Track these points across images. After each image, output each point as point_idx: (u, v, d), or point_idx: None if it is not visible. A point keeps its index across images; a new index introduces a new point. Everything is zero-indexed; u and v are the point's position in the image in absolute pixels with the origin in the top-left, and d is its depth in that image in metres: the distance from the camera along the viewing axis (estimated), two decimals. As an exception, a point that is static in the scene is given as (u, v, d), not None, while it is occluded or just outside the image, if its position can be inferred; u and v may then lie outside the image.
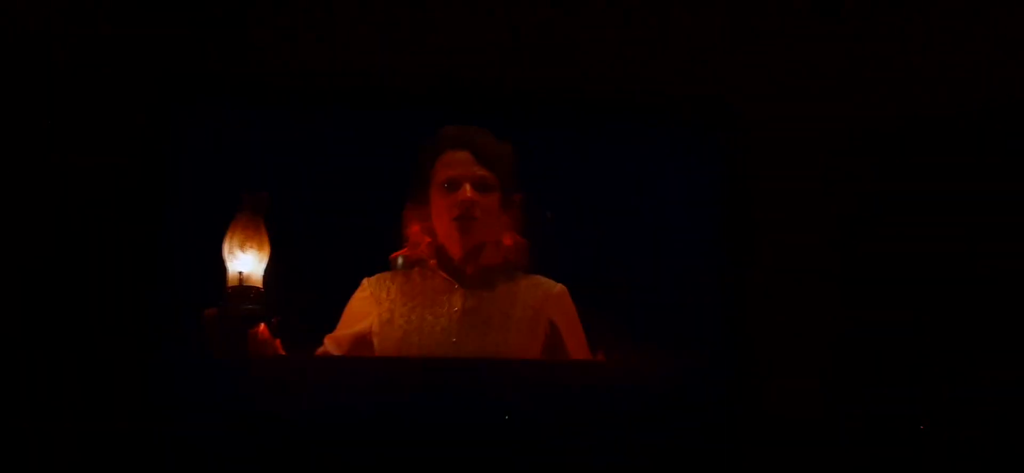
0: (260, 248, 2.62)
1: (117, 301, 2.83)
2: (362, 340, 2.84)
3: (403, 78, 3.08)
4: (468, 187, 2.78)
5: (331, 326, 2.91)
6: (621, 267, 3.14)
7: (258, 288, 2.60)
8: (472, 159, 2.81)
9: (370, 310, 2.86)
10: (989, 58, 3.05)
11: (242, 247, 2.60)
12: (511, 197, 2.89)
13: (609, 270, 3.13)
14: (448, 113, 3.10)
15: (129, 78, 2.88)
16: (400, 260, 2.92)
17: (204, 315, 2.57)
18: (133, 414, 2.77)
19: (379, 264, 2.98)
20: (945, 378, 3.11)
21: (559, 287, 2.94)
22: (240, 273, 2.58)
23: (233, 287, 2.57)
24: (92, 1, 2.73)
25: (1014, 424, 3.05)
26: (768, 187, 3.20)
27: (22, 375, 2.75)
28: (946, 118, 3.26)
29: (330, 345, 2.84)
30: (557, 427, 2.97)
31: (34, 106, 2.83)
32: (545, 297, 2.90)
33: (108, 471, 2.74)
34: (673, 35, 3.00)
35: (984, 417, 3.07)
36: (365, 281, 2.91)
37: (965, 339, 3.13)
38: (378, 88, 3.09)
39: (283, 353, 2.68)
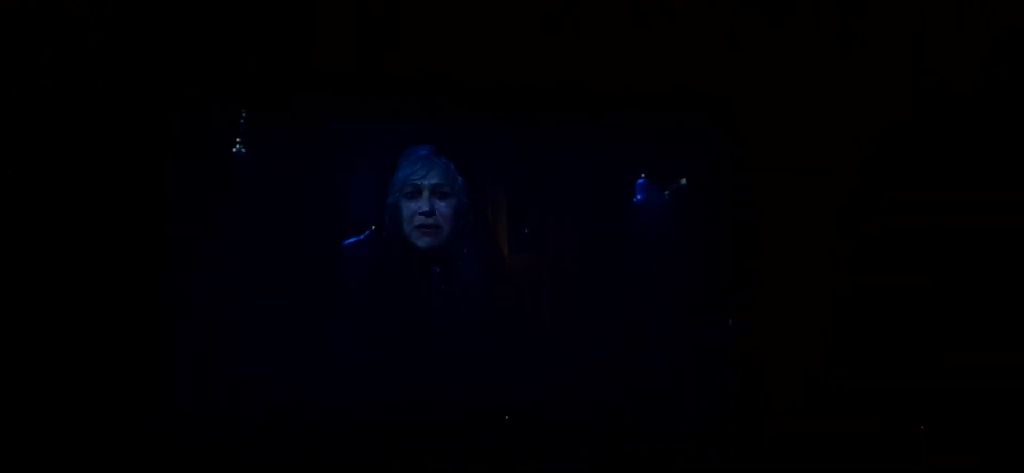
0: None
1: (118, 301, 2.83)
2: None
3: (403, 77, 3.08)
4: None
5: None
6: (620, 266, 3.15)
7: None
8: None
9: None
10: (988, 58, 3.06)
11: None
12: None
13: (608, 269, 3.14)
14: (447, 112, 3.11)
15: (129, 78, 2.87)
16: None
17: None
18: (133, 413, 2.78)
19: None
20: (944, 376, 3.12)
21: None
22: None
23: None
24: (92, 2, 2.73)
25: (1012, 422, 3.07)
26: (768, 186, 3.20)
27: (21, 375, 2.75)
28: (946, 116, 3.26)
29: None
30: (560, 426, 2.99)
31: (34, 106, 2.82)
32: None
33: (108, 470, 2.75)
34: (672, 35, 3.00)
35: (982, 416, 3.09)
36: None
37: (965, 337, 3.15)
38: (377, 87, 3.09)
39: None
